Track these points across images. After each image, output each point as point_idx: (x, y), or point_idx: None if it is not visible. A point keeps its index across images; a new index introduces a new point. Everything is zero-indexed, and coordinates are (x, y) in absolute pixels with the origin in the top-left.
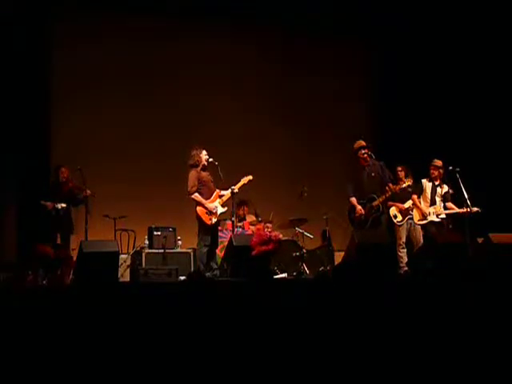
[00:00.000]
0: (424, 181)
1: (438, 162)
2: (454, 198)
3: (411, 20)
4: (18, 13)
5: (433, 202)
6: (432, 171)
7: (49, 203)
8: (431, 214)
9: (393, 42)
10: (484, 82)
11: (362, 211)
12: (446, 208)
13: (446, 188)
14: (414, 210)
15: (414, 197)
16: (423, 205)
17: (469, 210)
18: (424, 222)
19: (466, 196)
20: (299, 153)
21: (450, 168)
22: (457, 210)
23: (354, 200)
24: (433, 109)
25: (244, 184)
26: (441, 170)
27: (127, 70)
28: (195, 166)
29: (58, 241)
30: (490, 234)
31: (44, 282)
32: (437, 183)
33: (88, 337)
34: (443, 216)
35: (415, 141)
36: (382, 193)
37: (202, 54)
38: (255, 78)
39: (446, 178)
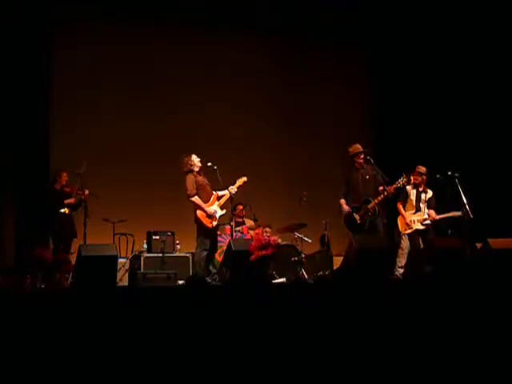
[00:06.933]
0: (408, 187)
1: (422, 169)
2: (438, 203)
3: (411, 24)
4: (17, 13)
5: (418, 209)
6: (415, 177)
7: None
8: (415, 222)
9: (393, 46)
10: (484, 85)
11: (349, 210)
12: (427, 214)
13: (430, 193)
14: (399, 220)
15: (399, 205)
16: (408, 212)
17: (460, 213)
18: (409, 231)
19: (465, 201)
20: (299, 157)
21: (449, 173)
22: (443, 215)
23: (342, 201)
24: (433, 112)
25: (239, 185)
26: (424, 177)
27: (127, 74)
28: (190, 171)
29: (60, 245)
30: (489, 239)
31: (42, 286)
32: (421, 189)
33: (86, 341)
34: (428, 222)
35: (414, 144)
36: (376, 195)
37: (203, 59)
38: (255, 82)
39: (443, 182)
